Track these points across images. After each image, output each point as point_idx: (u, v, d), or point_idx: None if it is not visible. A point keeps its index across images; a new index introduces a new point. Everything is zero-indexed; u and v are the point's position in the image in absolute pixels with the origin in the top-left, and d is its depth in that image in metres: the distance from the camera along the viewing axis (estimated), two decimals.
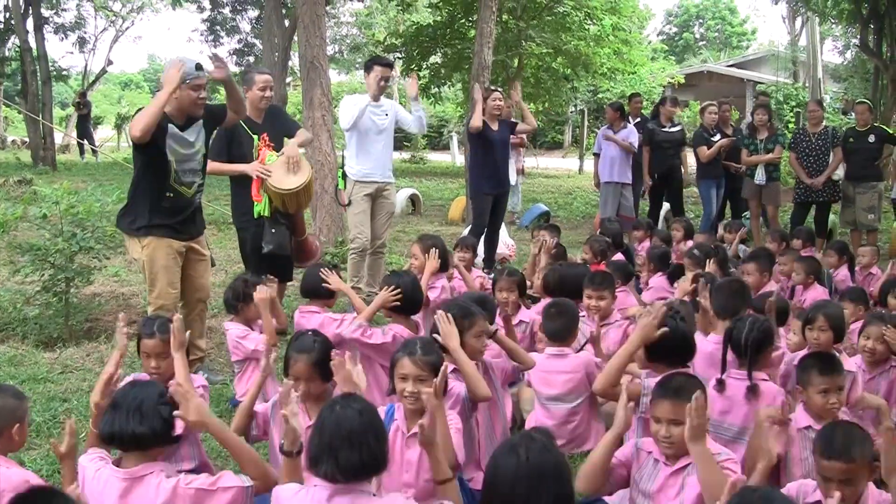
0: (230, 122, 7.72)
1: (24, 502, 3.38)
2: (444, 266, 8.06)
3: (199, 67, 6.98)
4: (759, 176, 13.64)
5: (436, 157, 37.19)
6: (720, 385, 5.32)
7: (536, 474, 3.37)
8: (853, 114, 14.08)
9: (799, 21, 41.80)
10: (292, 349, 5.16)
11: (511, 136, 11.98)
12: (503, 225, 12.53)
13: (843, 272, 9.79)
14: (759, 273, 8.60)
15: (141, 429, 3.99)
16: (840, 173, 13.53)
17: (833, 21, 30.36)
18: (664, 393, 4.41)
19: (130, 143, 7.18)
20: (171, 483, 4.00)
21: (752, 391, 5.21)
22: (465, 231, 11.88)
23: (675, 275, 9.11)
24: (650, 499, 4.42)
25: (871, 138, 12.93)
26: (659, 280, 9.26)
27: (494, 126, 11.37)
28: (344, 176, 10.01)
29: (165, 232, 7.13)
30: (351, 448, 3.60)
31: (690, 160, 15.92)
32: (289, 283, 9.40)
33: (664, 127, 14.66)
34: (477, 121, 11.17)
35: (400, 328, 6.22)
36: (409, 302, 6.40)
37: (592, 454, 4.64)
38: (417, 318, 6.81)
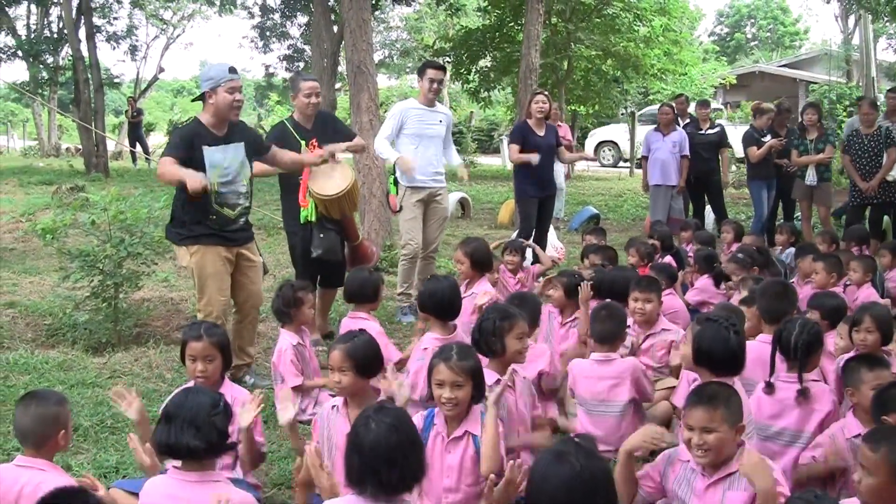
0: (269, 164, 7.95)
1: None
2: (488, 267, 8.06)
3: (232, 70, 7.03)
4: (810, 177, 13.46)
5: (486, 161, 37.06)
6: (770, 388, 5.23)
7: (591, 483, 3.27)
8: None
9: (852, 19, 41.24)
10: (334, 342, 5.25)
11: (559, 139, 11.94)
12: (551, 228, 12.49)
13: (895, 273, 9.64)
14: (826, 273, 8.48)
15: (195, 442, 4.00)
16: (895, 174, 13.34)
17: (886, 19, 29.99)
18: (698, 400, 4.30)
19: None
20: (240, 496, 4.05)
21: (803, 395, 5.12)
22: (514, 235, 11.83)
23: (721, 276, 9.05)
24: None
25: None
26: (705, 282, 9.17)
27: (540, 132, 11.31)
28: (396, 182, 9.99)
29: (213, 240, 7.17)
30: (391, 466, 3.60)
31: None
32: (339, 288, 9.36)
33: (701, 130, 14.67)
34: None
35: (435, 340, 6.16)
36: (447, 307, 6.33)
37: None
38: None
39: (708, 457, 4.23)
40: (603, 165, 34.70)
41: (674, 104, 15.00)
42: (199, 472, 4.04)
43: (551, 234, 12.59)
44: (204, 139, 7.02)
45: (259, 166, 8.10)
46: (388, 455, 3.61)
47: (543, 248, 11.58)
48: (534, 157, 11.04)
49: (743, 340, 5.23)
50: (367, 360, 5.04)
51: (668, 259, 9.86)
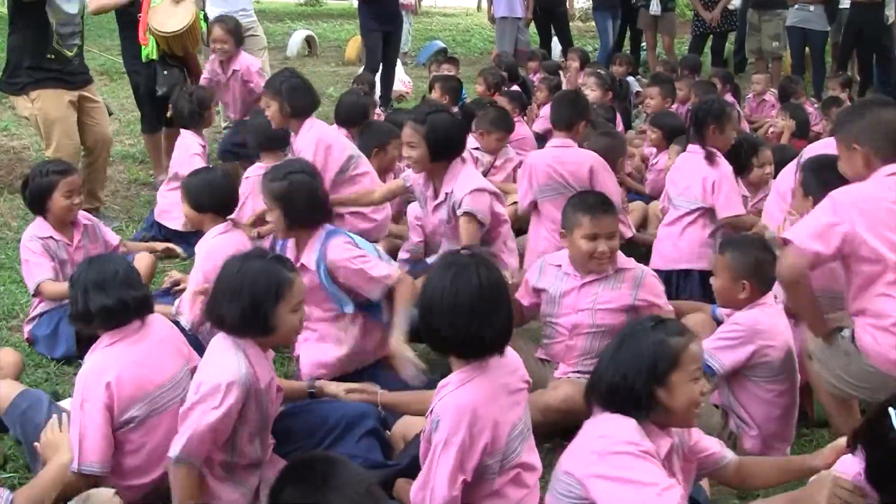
0: None
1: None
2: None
3: None
4: (654, 6, 13.68)
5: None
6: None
7: (494, 293, 3.27)
8: None
9: None
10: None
11: None
12: (399, 62, 12.45)
13: (729, 98, 10.06)
14: (661, 98, 8.91)
15: (139, 294, 3.80)
16: (736, 3, 13.66)
17: None
18: (603, 209, 4.43)
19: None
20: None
21: (709, 158, 5.70)
22: (360, 70, 11.76)
23: None
24: (556, 304, 4.48)
25: None
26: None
27: None
28: (206, 18, 9.82)
29: (53, 83, 7.02)
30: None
31: None
32: None
33: None
34: None
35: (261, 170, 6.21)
36: (277, 138, 6.59)
37: None
38: None
39: (609, 263, 4.40)
40: None
41: None
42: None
43: (399, 69, 12.56)
44: None
45: (96, 2, 7.91)
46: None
47: (391, 81, 11.57)
48: None
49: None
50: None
51: (515, 88, 9.95)
